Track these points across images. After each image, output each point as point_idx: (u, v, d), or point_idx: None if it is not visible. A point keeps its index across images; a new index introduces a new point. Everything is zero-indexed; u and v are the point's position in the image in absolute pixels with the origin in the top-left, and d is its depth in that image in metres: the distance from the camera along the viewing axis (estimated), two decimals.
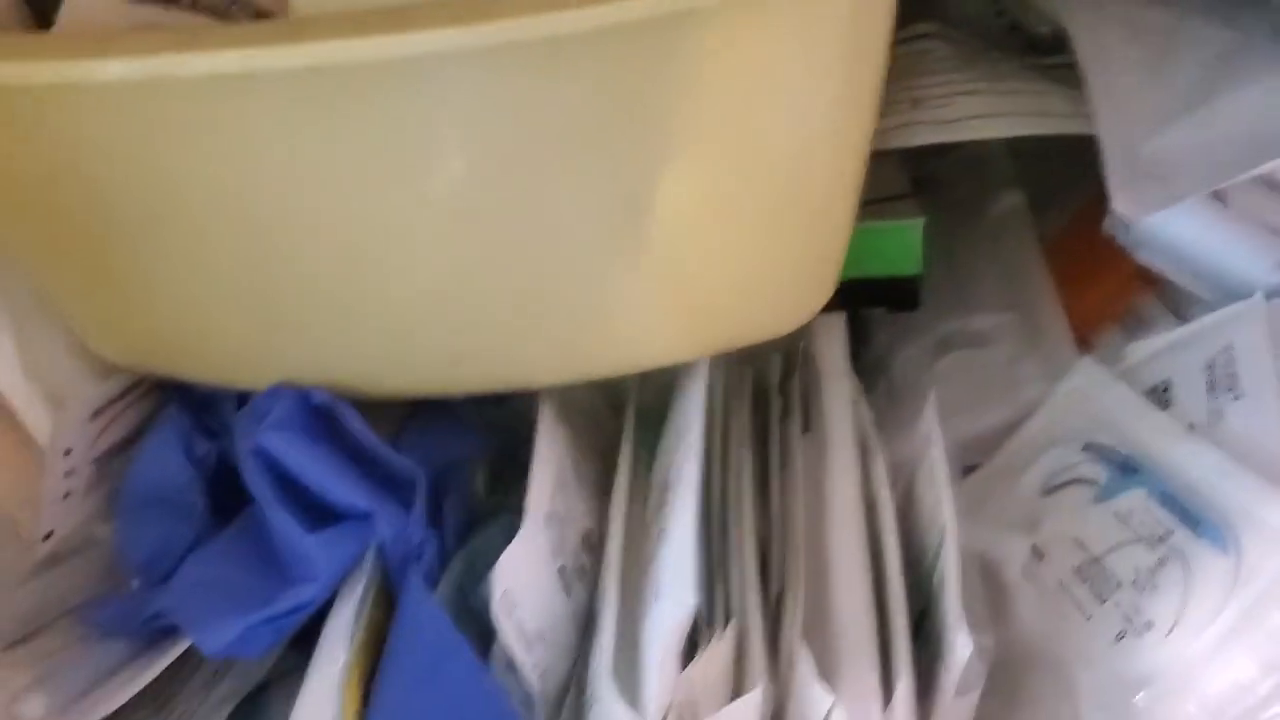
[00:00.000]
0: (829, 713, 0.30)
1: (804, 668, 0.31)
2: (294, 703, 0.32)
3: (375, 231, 0.32)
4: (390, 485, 0.36)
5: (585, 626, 0.37)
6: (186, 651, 0.36)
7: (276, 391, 0.36)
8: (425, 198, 0.32)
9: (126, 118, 0.30)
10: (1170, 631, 0.31)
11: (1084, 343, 0.45)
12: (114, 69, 0.28)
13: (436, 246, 0.33)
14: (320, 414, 0.36)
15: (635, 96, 0.30)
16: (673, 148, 0.31)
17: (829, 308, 0.43)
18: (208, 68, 0.27)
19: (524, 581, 0.33)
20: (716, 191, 0.33)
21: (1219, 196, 0.39)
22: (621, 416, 0.43)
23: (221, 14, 0.33)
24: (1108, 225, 0.41)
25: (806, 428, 0.40)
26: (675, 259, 0.34)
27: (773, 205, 0.34)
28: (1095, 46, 0.42)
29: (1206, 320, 0.38)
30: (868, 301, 0.45)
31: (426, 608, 0.33)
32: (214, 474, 0.40)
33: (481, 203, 0.32)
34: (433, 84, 0.29)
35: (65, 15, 0.32)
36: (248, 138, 0.30)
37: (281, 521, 0.34)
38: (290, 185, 0.31)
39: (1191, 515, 0.33)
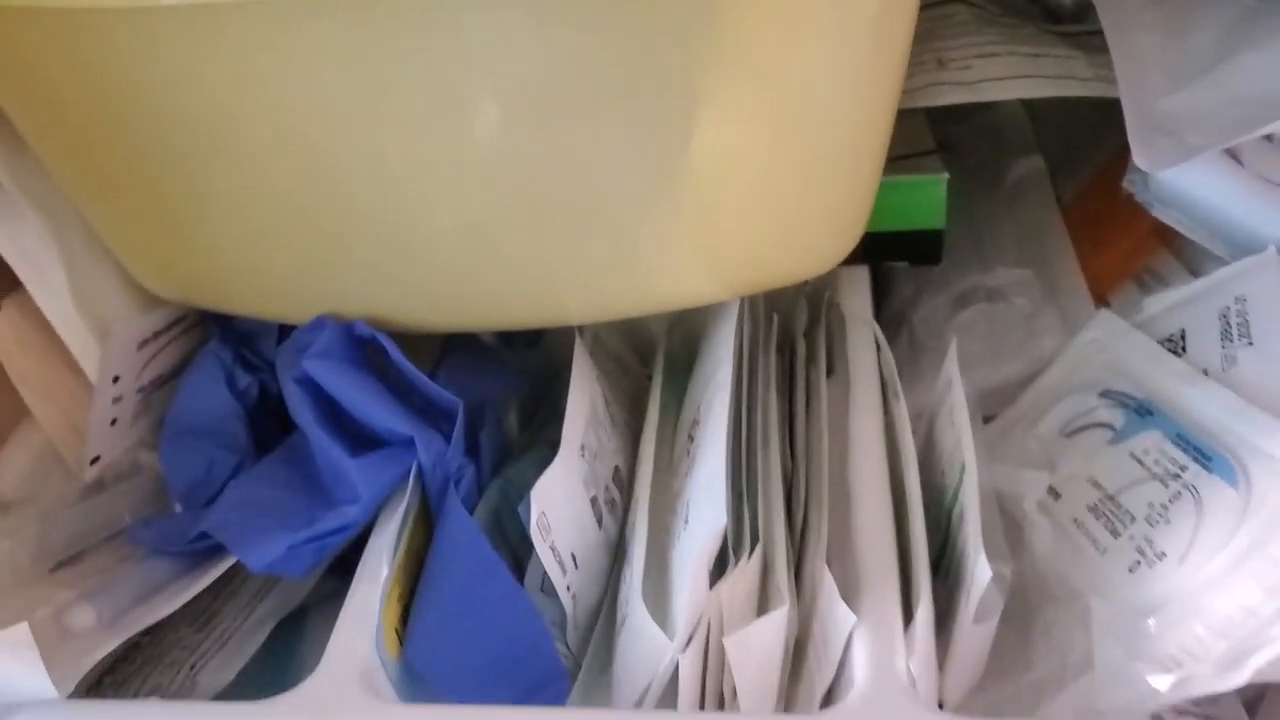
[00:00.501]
0: (851, 632, 0.32)
1: (828, 590, 0.32)
2: (333, 624, 0.33)
3: (418, 166, 0.33)
4: (429, 414, 0.37)
5: (616, 557, 0.38)
6: (230, 572, 0.37)
7: (320, 323, 0.37)
8: (467, 134, 0.33)
9: (181, 45, 0.31)
10: (1182, 561, 0.32)
11: (1102, 300, 0.46)
12: None
13: (477, 182, 0.34)
14: (362, 345, 0.37)
15: (674, 42, 0.31)
16: (709, 91, 0.32)
17: (854, 261, 0.45)
18: None
19: (559, 506, 0.34)
20: (750, 136, 0.34)
21: (1235, 155, 0.41)
22: (650, 366, 0.44)
23: None
24: (1126, 182, 0.42)
25: (831, 372, 0.42)
26: (708, 200, 0.35)
27: (804, 151, 0.35)
28: (1117, 8, 0.43)
29: (1222, 272, 0.39)
30: (891, 255, 0.46)
31: (465, 528, 0.34)
32: (254, 406, 0.41)
33: (521, 140, 0.33)
34: (479, 19, 0.30)
35: None
36: (297, 68, 0.31)
37: (325, 446, 0.36)
38: (337, 119, 0.32)
39: (1204, 453, 0.34)
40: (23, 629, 0.28)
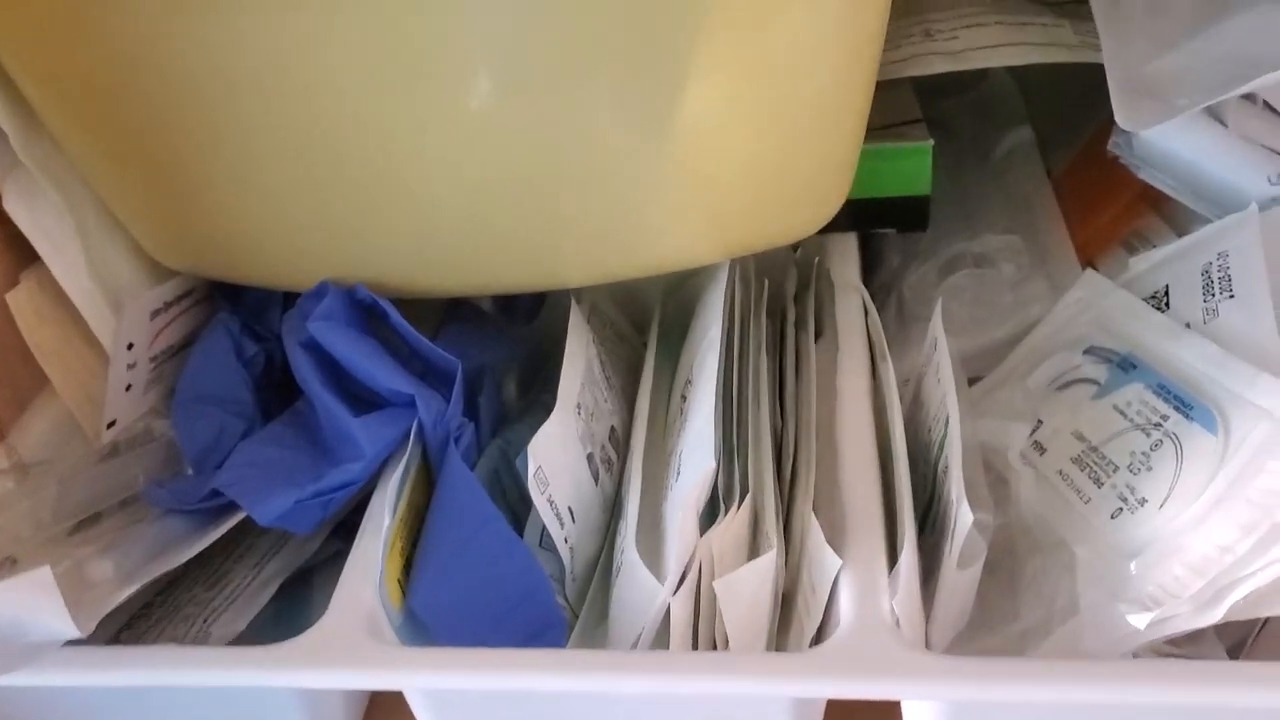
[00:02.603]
0: (837, 575, 0.33)
1: (814, 535, 0.33)
2: (338, 582, 0.34)
3: (417, 132, 0.35)
4: (429, 377, 0.38)
5: (612, 514, 0.39)
6: (240, 535, 0.39)
7: (323, 288, 0.38)
8: (465, 100, 0.34)
9: (186, 15, 0.32)
10: (1162, 505, 0.33)
11: (1090, 264, 0.47)
12: None
13: (474, 148, 0.35)
14: (363, 309, 0.38)
15: (660, 7, 0.32)
16: (694, 55, 0.33)
17: (843, 228, 0.46)
18: None
19: (556, 460, 0.36)
20: (735, 100, 0.35)
21: (1217, 116, 0.41)
22: (645, 334, 0.45)
23: None
24: (1112, 144, 0.43)
25: (820, 336, 0.43)
26: (695, 163, 0.36)
27: (787, 111, 0.36)
28: None
29: (1204, 231, 0.40)
30: (879, 222, 0.47)
31: (464, 482, 0.35)
32: (261, 375, 0.42)
33: (516, 106, 0.34)
34: None
35: None
36: (299, 38, 0.33)
37: (329, 405, 0.37)
38: (338, 87, 0.34)
39: (1185, 402, 0.35)
40: (45, 572, 0.30)
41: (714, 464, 0.33)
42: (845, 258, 0.45)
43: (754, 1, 0.33)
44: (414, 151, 0.35)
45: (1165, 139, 0.41)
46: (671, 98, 0.34)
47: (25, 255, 0.40)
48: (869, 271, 0.50)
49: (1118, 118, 0.40)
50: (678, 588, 0.32)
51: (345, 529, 0.38)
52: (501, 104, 0.34)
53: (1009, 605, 0.37)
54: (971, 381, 0.44)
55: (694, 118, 0.35)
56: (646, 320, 0.46)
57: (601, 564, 0.38)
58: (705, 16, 0.33)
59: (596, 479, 0.38)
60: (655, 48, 0.33)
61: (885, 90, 0.42)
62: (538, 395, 0.44)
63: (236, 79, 0.34)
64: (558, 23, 0.32)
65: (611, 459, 0.40)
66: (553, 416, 0.36)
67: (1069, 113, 0.54)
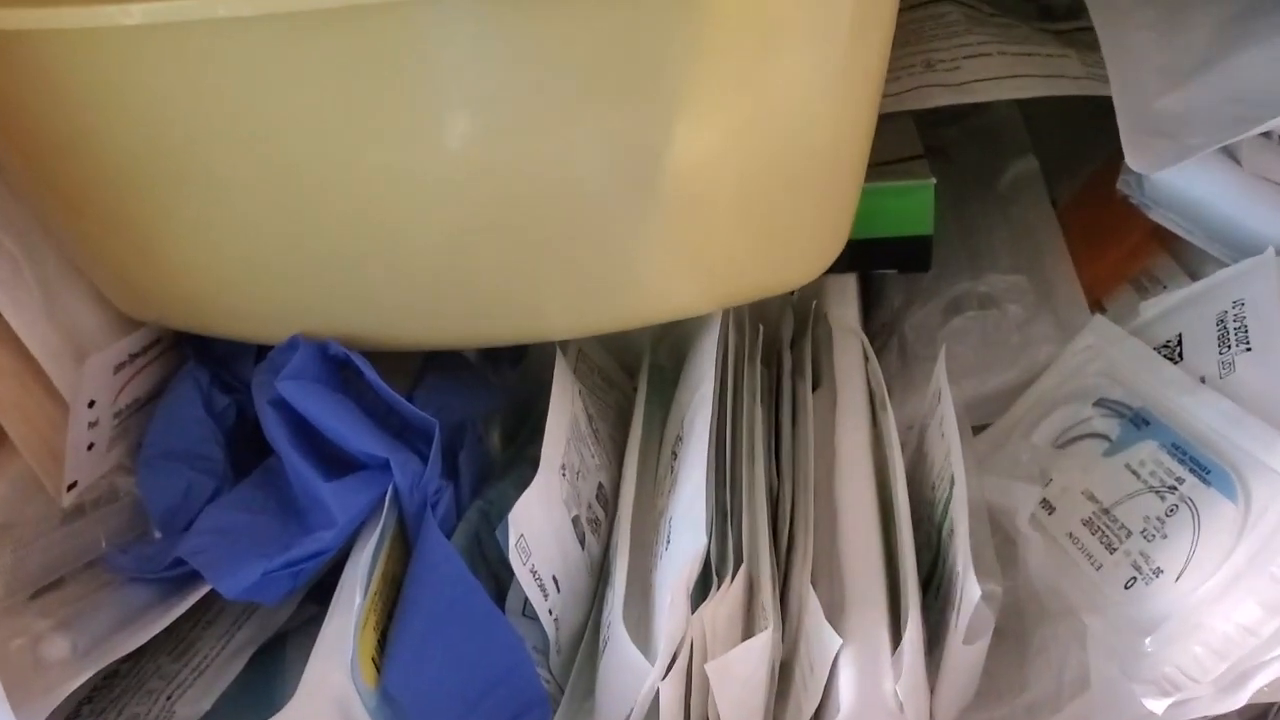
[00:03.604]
0: (837, 655, 0.31)
1: (813, 611, 0.32)
2: (311, 650, 0.33)
3: (393, 183, 0.33)
4: (406, 436, 0.36)
5: (600, 578, 0.37)
6: (207, 599, 0.37)
7: (293, 343, 0.36)
8: (443, 148, 0.32)
9: (148, 65, 0.30)
10: (1179, 577, 0.32)
11: (1097, 305, 0.45)
12: (137, 13, 0.28)
13: (454, 197, 0.33)
14: (336, 365, 0.36)
15: (649, 49, 0.31)
16: (687, 101, 0.32)
17: (842, 268, 0.44)
18: (228, 10, 0.28)
19: (539, 528, 0.34)
20: (728, 145, 0.33)
21: (1232, 155, 0.40)
22: (635, 379, 0.43)
23: None
24: (1121, 184, 0.41)
25: (817, 384, 0.41)
26: (688, 212, 0.34)
27: (783, 160, 0.35)
28: (1109, 8, 0.43)
29: (1218, 276, 0.38)
30: (880, 263, 0.45)
31: (442, 552, 0.34)
32: (232, 429, 0.40)
33: (498, 154, 0.32)
34: (451, 29, 0.29)
35: None
36: (266, 85, 0.31)
37: (300, 469, 0.35)
38: (308, 136, 0.32)
39: (1201, 464, 0.33)
40: None
41: (705, 542, 0.31)
42: (844, 300, 0.44)
43: (749, 44, 0.31)
44: (389, 203, 0.33)
45: (1177, 179, 0.40)
46: (660, 145, 0.32)
47: None
48: (869, 309, 0.48)
49: (1128, 159, 0.38)
50: (668, 671, 0.30)
51: (321, 589, 0.36)
52: (482, 149, 0.32)
53: (1016, 674, 0.35)
54: (978, 429, 0.42)
55: (686, 164, 0.33)
56: (636, 363, 0.45)
57: (588, 634, 0.36)
58: (697, 59, 0.31)
59: (583, 542, 0.36)
60: (645, 91, 0.31)
61: (885, 123, 0.40)
62: (522, 447, 0.42)
63: (201, 127, 0.32)
64: (542, 65, 0.31)
65: (599, 518, 0.38)
66: (536, 480, 0.34)
67: (1074, 140, 0.52)
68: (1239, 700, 0.29)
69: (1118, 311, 0.43)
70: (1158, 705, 0.29)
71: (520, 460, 0.40)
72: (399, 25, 0.29)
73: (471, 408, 0.40)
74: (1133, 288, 0.45)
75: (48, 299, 0.39)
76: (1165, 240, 0.44)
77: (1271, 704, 0.32)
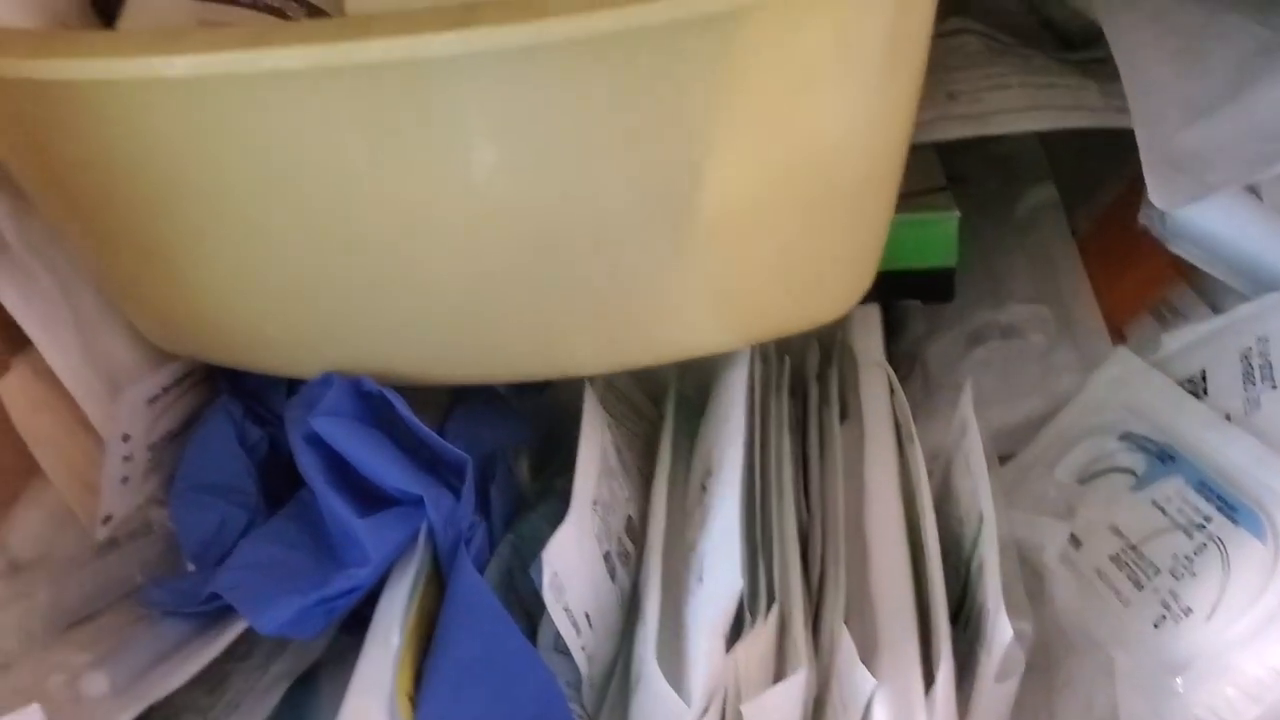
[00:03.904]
0: (871, 696, 0.31)
1: (846, 651, 0.32)
2: (346, 684, 0.33)
3: (424, 224, 0.33)
4: (438, 471, 0.37)
5: (630, 610, 0.38)
6: (242, 633, 0.37)
7: (328, 379, 0.36)
8: (473, 191, 0.32)
9: (189, 113, 0.31)
10: (1210, 617, 0.32)
11: (1117, 333, 0.45)
12: (181, 66, 0.29)
13: (483, 237, 0.33)
14: (370, 401, 0.37)
15: (677, 92, 0.31)
16: (714, 142, 0.32)
17: (865, 299, 0.44)
18: (272, 64, 0.28)
19: (572, 565, 0.34)
20: (758, 184, 0.33)
21: (1254, 190, 0.40)
22: (661, 407, 0.44)
23: (278, 12, 0.34)
24: (1142, 217, 0.42)
25: (844, 417, 0.41)
26: (717, 251, 0.34)
27: (813, 198, 0.35)
28: (1129, 41, 0.43)
29: (1242, 310, 0.38)
30: (903, 293, 0.45)
31: (477, 589, 0.34)
32: (265, 461, 0.41)
33: (527, 195, 0.32)
34: (482, 80, 0.30)
35: (130, 11, 0.33)
36: (298, 132, 0.31)
37: (334, 505, 0.35)
38: (340, 179, 0.32)
39: (1229, 503, 0.34)
40: (34, 711, 0.28)
41: (740, 585, 0.32)
42: (868, 331, 0.44)
43: (779, 87, 0.32)
44: (419, 241, 0.34)
45: (1198, 214, 0.40)
46: (692, 185, 0.33)
47: (17, 341, 0.39)
48: (891, 338, 0.48)
49: (1151, 195, 0.38)
50: (703, 715, 0.31)
51: (356, 620, 0.37)
52: (511, 190, 0.32)
53: (1043, 707, 0.35)
54: (1002, 459, 0.42)
55: (715, 205, 0.33)
56: (662, 391, 0.45)
57: (619, 668, 0.36)
58: (727, 101, 0.31)
59: (614, 576, 0.37)
60: (675, 133, 0.32)
61: (908, 154, 0.41)
62: (551, 478, 0.42)
63: (235, 174, 0.32)
64: (571, 109, 0.31)
65: (629, 552, 0.38)
66: (569, 517, 0.34)
67: (1092, 168, 0.53)
68: None
69: (1138, 341, 0.43)
70: None
71: (550, 492, 0.40)
72: (429, 75, 0.30)
73: (501, 438, 0.41)
74: (1153, 316, 0.45)
75: (83, 335, 0.39)
76: (1184, 269, 0.45)
77: None
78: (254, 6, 0.34)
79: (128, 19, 0.34)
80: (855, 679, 0.31)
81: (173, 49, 0.29)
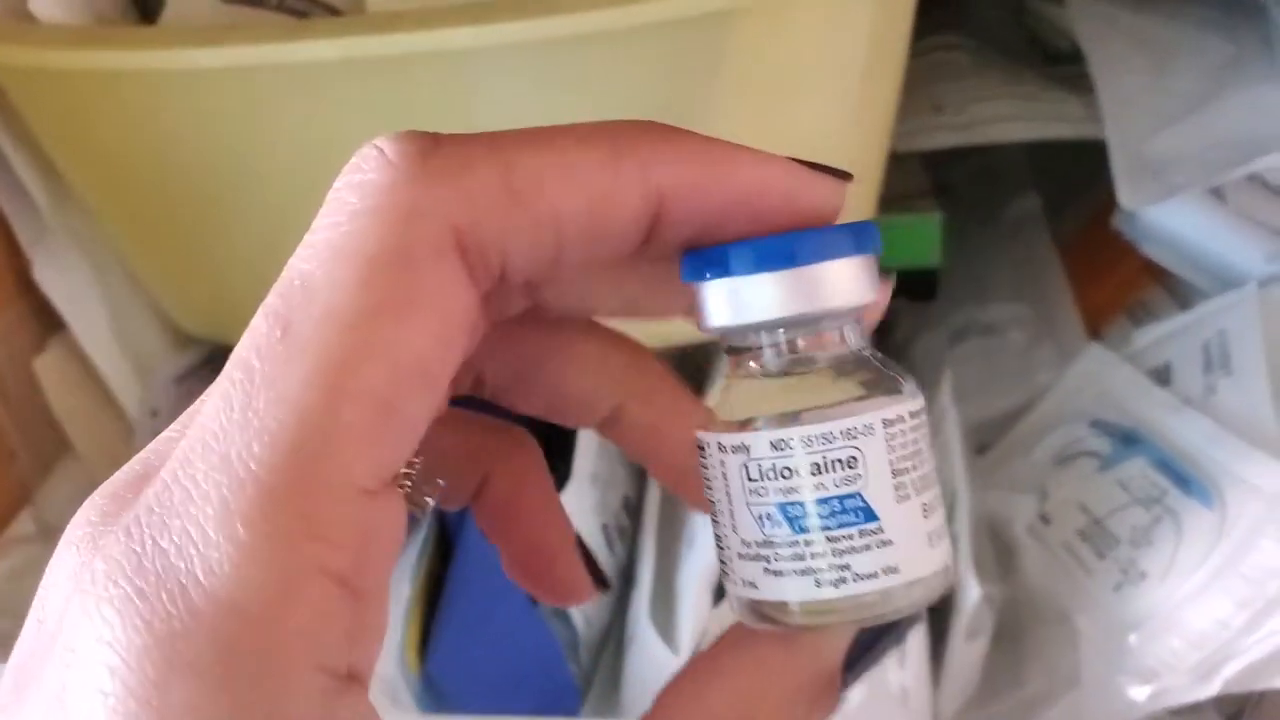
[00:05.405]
0: None
1: None
2: None
3: None
4: None
5: (625, 582, 0.40)
6: None
7: None
8: None
9: (225, 103, 0.33)
10: (1162, 579, 0.34)
11: (1095, 333, 0.48)
12: (222, 56, 0.31)
13: None
14: None
15: (673, 95, 0.34)
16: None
17: None
18: (307, 56, 0.31)
19: None
20: None
21: (1218, 194, 0.42)
22: None
23: (302, 14, 0.36)
24: (1115, 220, 0.44)
25: None
26: None
27: None
28: (1104, 54, 0.45)
29: (1204, 307, 0.41)
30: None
31: (482, 553, 0.36)
32: None
33: None
34: (494, 71, 0.32)
35: (169, 11, 0.36)
36: (324, 122, 0.34)
37: None
38: None
39: (1183, 477, 0.36)
40: None
41: None
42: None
43: (767, 87, 0.34)
44: None
45: (1166, 216, 0.43)
46: None
47: (52, 322, 0.41)
48: (879, 335, 0.51)
49: (1120, 196, 0.41)
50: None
51: None
52: None
53: (1014, 672, 0.37)
54: (981, 449, 0.45)
55: None
56: None
57: (615, 633, 0.38)
58: (719, 99, 0.34)
59: (611, 548, 0.39)
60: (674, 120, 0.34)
61: (895, 162, 0.43)
62: (554, 460, 0.45)
63: (265, 163, 0.35)
64: (575, 102, 0.33)
65: (625, 527, 0.41)
66: (569, 488, 0.37)
67: (1074, 178, 0.55)
68: (1212, 688, 0.31)
69: (1113, 339, 0.46)
70: (1140, 693, 0.32)
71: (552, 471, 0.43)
72: (448, 68, 0.32)
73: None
74: (1128, 317, 0.47)
75: (113, 316, 0.42)
76: (1158, 274, 0.47)
77: (1249, 695, 0.34)
78: (279, 9, 0.36)
79: (167, 17, 0.36)
80: None
81: (212, 41, 0.31)
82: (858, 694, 0.32)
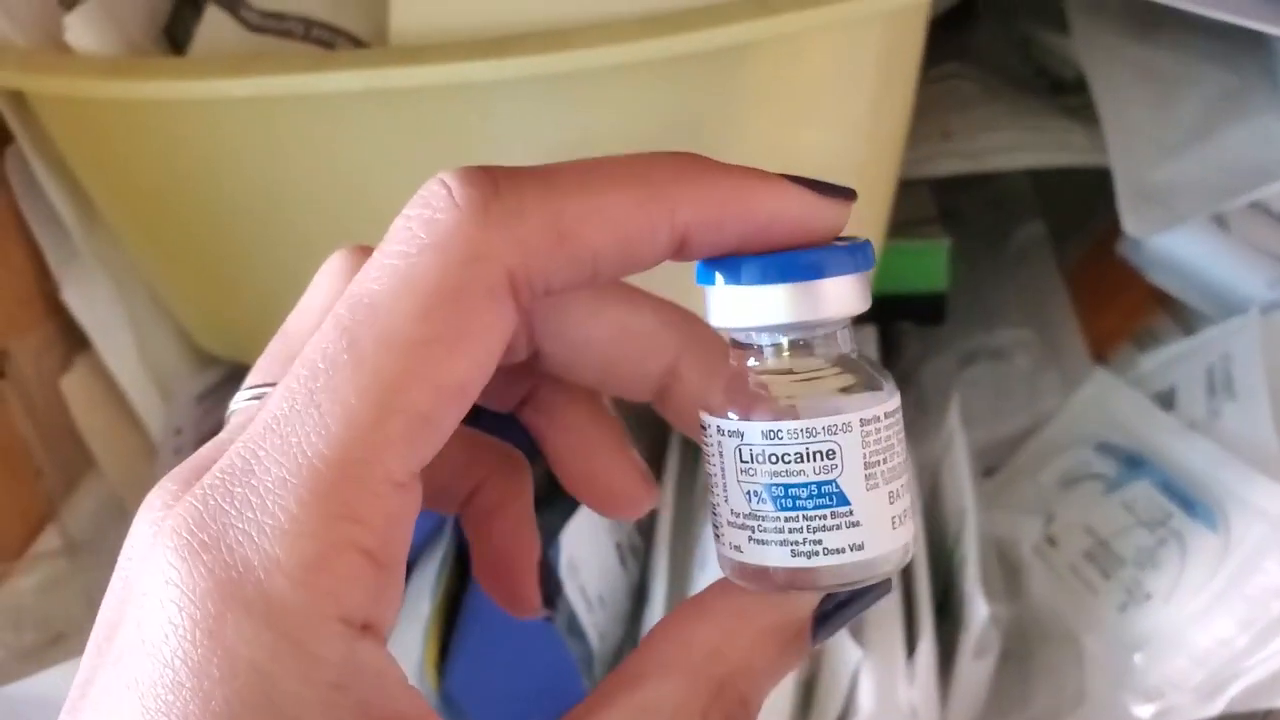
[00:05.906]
0: (857, 666, 0.34)
1: None
2: None
3: None
4: None
5: (638, 599, 0.41)
6: None
7: None
8: None
9: (249, 131, 0.34)
10: (1167, 600, 0.35)
11: (1101, 359, 0.48)
12: (249, 87, 0.32)
13: None
14: None
15: (685, 120, 0.34)
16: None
17: (861, 321, 0.48)
18: (333, 87, 0.32)
19: (586, 550, 0.37)
20: None
21: (1221, 222, 0.43)
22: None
23: (328, 44, 0.37)
24: (1121, 247, 0.45)
25: None
26: None
27: None
28: (1109, 85, 0.46)
29: (1208, 333, 0.42)
30: (897, 316, 0.48)
31: None
32: None
33: None
34: (510, 103, 0.33)
35: (198, 42, 0.37)
36: (347, 149, 0.35)
37: None
38: (385, 193, 0.35)
39: (1188, 500, 0.37)
40: None
41: None
42: (865, 350, 0.47)
43: (778, 114, 0.35)
44: None
45: (1170, 244, 0.43)
46: None
47: (79, 342, 0.42)
48: (887, 359, 0.51)
49: (1125, 224, 0.42)
50: None
51: None
52: None
53: (1020, 691, 0.38)
54: (989, 472, 0.45)
55: None
56: None
57: (629, 648, 0.39)
58: (729, 127, 0.35)
59: (625, 565, 0.40)
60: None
61: (904, 189, 0.44)
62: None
63: (288, 187, 0.36)
64: (589, 124, 0.34)
65: (638, 546, 0.41)
66: (582, 507, 0.37)
67: (1080, 206, 0.56)
68: (1216, 707, 0.32)
69: (1118, 364, 0.46)
70: (1145, 711, 0.32)
71: (561, 493, 0.43)
72: (470, 99, 0.33)
73: (520, 440, 0.44)
74: (1133, 344, 0.48)
75: (138, 337, 0.43)
76: (1163, 301, 0.48)
77: (1253, 714, 0.35)
78: (305, 39, 0.37)
79: (196, 48, 0.37)
80: (843, 651, 0.34)
81: (239, 72, 0.32)
82: (867, 710, 0.33)
